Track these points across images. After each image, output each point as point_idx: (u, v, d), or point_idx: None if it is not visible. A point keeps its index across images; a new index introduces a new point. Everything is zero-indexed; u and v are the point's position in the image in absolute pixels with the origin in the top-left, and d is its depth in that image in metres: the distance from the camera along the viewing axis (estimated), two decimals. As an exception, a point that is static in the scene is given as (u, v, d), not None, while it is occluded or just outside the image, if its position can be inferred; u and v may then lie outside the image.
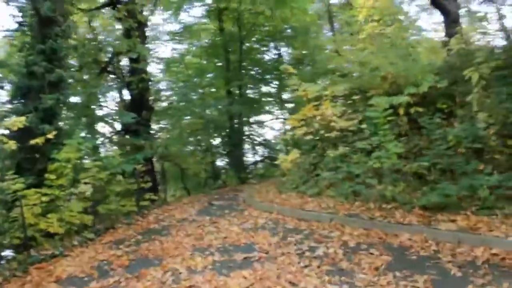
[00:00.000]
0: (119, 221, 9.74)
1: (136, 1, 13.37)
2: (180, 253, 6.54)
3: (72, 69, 11.13)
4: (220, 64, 21.63)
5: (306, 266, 5.31)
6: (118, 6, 13.77)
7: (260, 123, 23.76)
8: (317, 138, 10.24)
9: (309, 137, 10.36)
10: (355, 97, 10.74)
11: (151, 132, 14.64)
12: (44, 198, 8.51)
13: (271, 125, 24.85)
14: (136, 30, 13.34)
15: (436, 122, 9.02)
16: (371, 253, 5.61)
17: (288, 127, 24.48)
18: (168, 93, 17.95)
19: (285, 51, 23.15)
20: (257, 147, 22.09)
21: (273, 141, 23.36)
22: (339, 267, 5.18)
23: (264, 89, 22.12)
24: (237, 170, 18.43)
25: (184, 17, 35.73)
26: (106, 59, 15.36)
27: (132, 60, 14.29)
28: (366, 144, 9.48)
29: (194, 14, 32.75)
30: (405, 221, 6.64)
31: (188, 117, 16.98)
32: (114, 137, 14.49)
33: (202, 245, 6.88)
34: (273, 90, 22.20)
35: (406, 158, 8.82)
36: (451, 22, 14.10)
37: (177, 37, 21.79)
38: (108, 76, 15.65)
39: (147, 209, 11.00)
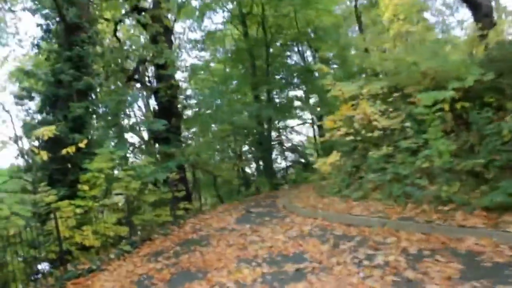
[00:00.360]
0: (155, 232, 9.37)
1: (161, 6, 13.09)
2: (225, 265, 6.09)
3: (99, 77, 10.81)
4: (245, 69, 21.31)
5: (367, 277, 4.79)
6: (143, 12, 13.55)
7: (289, 128, 23.34)
8: (358, 138, 9.71)
9: (349, 138, 9.83)
10: (395, 95, 10.18)
11: (181, 139, 14.30)
12: (78, 210, 8.21)
13: (299, 130, 24.52)
14: (162, 35, 13.06)
15: (487, 116, 8.47)
16: (437, 260, 5.05)
17: (322, 129, 24.10)
18: (194, 101, 17.63)
19: (311, 53, 22.71)
20: (286, 152, 21.61)
21: (301, 145, 22.90)
22: (406, 277, 4.64)
23: (292, 93, 21.74)
24: (268, 176, 18.00)
25: (208, 24, 35.83)
26: (133, 68, 15.13)
27: (159, 67, 14.02)
28: (411, 143, 8.93)
29: (217, 20, 32.73)
30: (468, 224, 6.05)
31: (217, 124, 16.61)
32: (143, 146, 14.22)
33: (247, 256, 6.42)
34: (300, 94, 21.79)
35: (456, 156, 8.21)
36: (483, 16, 13.46)
37: (200, 44, 21.61)
38: (135, 84, 15.40)
39: (182, 218, 10.62)
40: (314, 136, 24.62)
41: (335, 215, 8.05)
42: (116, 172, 10.69)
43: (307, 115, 23.17)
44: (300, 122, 24.10)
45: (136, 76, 15.44)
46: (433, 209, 6.98)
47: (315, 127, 23.85)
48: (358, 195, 8.81)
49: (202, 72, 21.39)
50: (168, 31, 14.41)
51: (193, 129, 17.22)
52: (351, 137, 9.74)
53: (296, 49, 22.20)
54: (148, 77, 15.37)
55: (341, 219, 7.80)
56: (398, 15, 22.02)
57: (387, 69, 12.53)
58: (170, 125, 13.62)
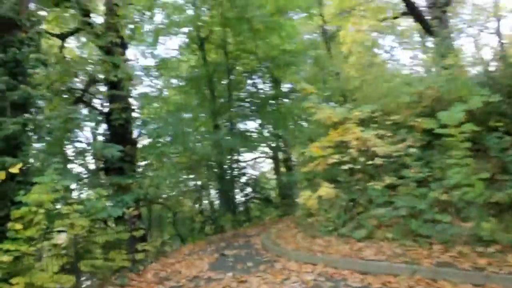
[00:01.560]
0: (109, 282, 7.39)
1: (117, 14, 11.35)
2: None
3: (42, 90, 8.76)
4: (203, 97, 19.82)
5: None
6: (97, 24, 11.84)
7: (251, 160, 21.85)
8: (357, 167, 8.31)
9: (345, 166, 8.41)
10: (391, 118, 8.98)
11: (137, 170, 12.36)
12: (5, 258, 6.16)
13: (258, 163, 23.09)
14: (119, 46, 11.36)
15: (501, 141, 7.45)
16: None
17: (289, 160, 22.79)
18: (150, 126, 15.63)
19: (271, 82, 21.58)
20: (245, 187, 19.93)
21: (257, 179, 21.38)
22: None
23: (253, 123, 20.39)
24: (231, 212, 16.27)
25: (161, 50, 34.22)
26: (82, 88, 13.20)
27: (112, 86, 12.20)
28: (418, 172, 7.66)
29: (173, 46, 30.97)
30: (535, 271, 4.69)
31: (177, 153, 14.81)
32: (92, 177, 12.11)
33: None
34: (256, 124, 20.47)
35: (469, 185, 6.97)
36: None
37: (153, 72, 19.81)
38: (84, 107, 13.41)
39: (142, 263, 8.67)
40: (276, 169, 23.28)
41: (341, 260, 6.48)
42: (59, 207, 8.70)
43: (267, 147, 21.90)
44: (259, 154, 22.80)
45: (85, 99, 13.48)
46: (473, 251, 5.59)
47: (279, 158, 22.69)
48: (361, 234, 7.33)
49: (155, 101, 19.52)
50: (124, 46, 12.68)
51: (148, 161, 15.27)
52: (348, 166, 8.32)
53: (257, 76, 20.96)
54: (99, 99, 13.42)
55: (350, 265, 6.25)
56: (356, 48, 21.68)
57: (370, 93, 11.40)
58: (124, 154, 11.73)
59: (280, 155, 23.05)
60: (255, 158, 22.59)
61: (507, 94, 8.42)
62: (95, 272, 7.72)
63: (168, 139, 13.83)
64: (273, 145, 20.60)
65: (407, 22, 21.67)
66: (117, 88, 12.34)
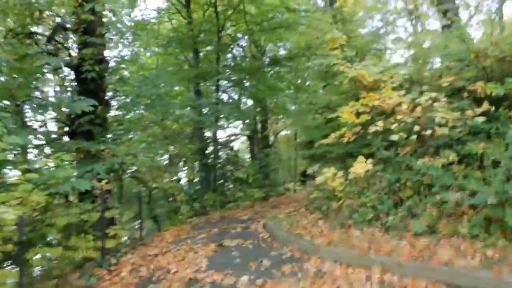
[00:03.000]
0: (68, 283, 5.26)
1: None
2: None
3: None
4: (185, 61, 17.59)
5: None
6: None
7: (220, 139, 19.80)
8: (411, 137, 6.37)
9: (394, 136, 6.45)
10: (443, 80, 7.06)
11: (109, 136, 10.06)
12: None
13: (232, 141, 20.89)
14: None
15: None
16: None
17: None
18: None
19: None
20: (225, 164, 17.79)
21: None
22: None
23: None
24: (214, 192, 14.19)
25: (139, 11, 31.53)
26: (47, 34, 10.73)
27: (86, 32, 9.82)
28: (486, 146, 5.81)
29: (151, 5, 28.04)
30: None
31: (154, 121, 12.53)
32: (54, 140, 9.73)
33: None
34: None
35: None
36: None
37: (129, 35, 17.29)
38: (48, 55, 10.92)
39: (115, 255, 6.54)
40: (252, 148, 21.36)
41: (411, 264, 4.54)
42: (7, 173, 6.57)
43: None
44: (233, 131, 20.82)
45: (51, 48, 10.99)
46: None
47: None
48: (421, 227, 5.41)
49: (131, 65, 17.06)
50: None
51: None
52: (399, 135, 6.36)
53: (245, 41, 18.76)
54: (67, 48, 10.95)
55: (428, 272, 4.32)
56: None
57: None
58: (95, 115, 9.48)
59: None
60: (229, 136, 20.38)
61: None
62: (50, 266, 5.56)
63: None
64: (249, 121, 18.45)
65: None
66: (92, 33, 10.01)
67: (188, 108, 13.01)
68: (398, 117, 6.49)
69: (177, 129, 13.05)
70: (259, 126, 22.02)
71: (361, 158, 6.80)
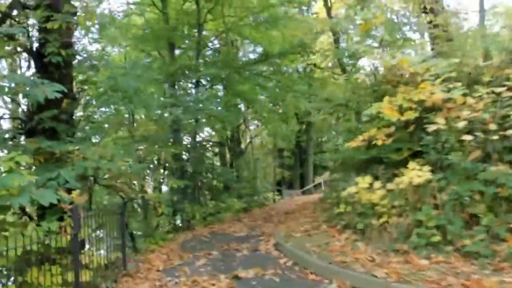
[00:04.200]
0: None
1: None
2: None
3: None
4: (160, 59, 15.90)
5: None
6: None
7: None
8: (494, 138, 4.94)
9: (467, 136, 5.03)
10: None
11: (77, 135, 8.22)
12: None
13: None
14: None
15: None
16: None
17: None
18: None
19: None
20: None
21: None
22: None
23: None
24: (194, 203, 12.43)
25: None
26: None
27: (50, 6, 8.02)
28: None
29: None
30: None
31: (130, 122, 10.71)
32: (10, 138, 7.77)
33: None
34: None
35: None
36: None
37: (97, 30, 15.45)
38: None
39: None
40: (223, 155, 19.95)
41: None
42: None
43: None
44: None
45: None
46: None
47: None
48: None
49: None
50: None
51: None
52: (477, 134, 4.95)
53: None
54: (25, 27, 9.04)
55: None
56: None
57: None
58: (60, 111, 7.70)
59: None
60: (199, 142, 18.65)
61: None
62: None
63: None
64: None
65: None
66: (58, 10, 8.20)
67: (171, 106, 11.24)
68: (464, 113, 5.08)
69: (156, 130, 11.25)
70: (228, 132, 20.53)
71: (412, 165, 5.34)
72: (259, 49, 17.78)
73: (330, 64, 17.22)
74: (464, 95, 5.55)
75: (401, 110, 5.74)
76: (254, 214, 13.46)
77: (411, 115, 5.56)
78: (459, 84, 5.59)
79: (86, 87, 9.24)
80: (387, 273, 4.21)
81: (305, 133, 27.26)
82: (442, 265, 4.31)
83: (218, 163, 20.53)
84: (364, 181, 5.82)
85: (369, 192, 5.73)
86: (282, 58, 14.78)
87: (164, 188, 13.23)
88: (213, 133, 19.36)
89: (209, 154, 18.17)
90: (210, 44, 16.66)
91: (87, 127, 8.91)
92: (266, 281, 4.89)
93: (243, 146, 23.14)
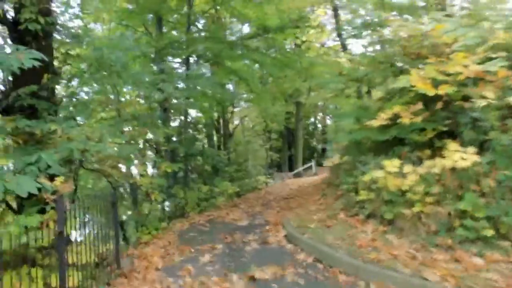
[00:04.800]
0: None
1: None
2: None
3: None
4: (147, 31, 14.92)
5: None
6: None
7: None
8: None
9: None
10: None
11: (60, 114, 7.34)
12: None
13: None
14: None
15: None
16: None
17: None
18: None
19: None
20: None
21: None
22: None
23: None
24: (187, 188, 11.65)
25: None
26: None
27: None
28: None
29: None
30: None
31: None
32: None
33: None
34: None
35: None
36: None
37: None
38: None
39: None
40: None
41: None
42: None
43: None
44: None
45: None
46: None
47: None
48: None
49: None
50: None
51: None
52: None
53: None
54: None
55: None
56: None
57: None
58: (40, 87, 6.85)
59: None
60: (191, 122, 17.76)
61: None
62: None
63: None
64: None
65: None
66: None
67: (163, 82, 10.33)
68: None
69: (145, 109, 10.37)
70: (215, 113, 19.72)
71: (453, 146, 4.63)
72: (247, 29, 16.97)
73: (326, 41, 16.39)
74: (503, 67, 4.85)
75: (434, 84, 5.00)
76: (250, 199, 12.74)
77: (448, 89, 4.83)
78: (504, 54, 4.88)
79: (69, 61, 8.34)
80: (441, 275, 3.51)
81: (293, 114, 26.49)
82: (502, 264, 3.64)
83: (206, 146, 19.70)
84: (392, 164, 5.10)
85: (398, 177, 5.02)
86: (279, 33, 13.85)
87: (151, 172, 12.44)
88: (200, 114, 18.44)
89: (200, 136, 17.36)
90: (198, 23, 15.73)
91: (70, 107, 7.98)
92: (287, 283, 4.16)
93: (231, 127, 22.38)
